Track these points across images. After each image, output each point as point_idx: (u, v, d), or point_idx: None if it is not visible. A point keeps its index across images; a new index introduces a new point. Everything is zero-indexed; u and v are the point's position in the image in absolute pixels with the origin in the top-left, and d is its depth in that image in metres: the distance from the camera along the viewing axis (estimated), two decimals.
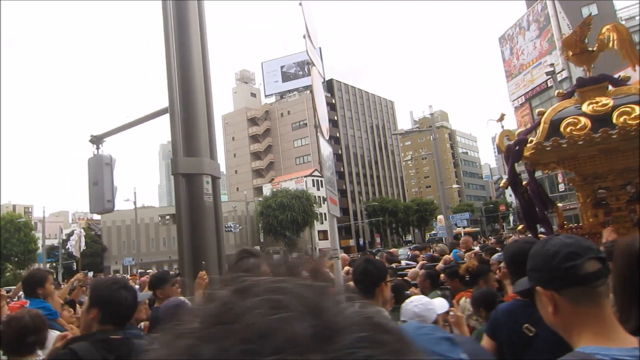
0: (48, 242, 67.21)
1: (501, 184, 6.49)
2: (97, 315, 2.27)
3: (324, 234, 71.70)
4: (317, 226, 65.92)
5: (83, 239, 15.24)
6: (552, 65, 26.66)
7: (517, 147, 5.72)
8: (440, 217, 32.10)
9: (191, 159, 4.93)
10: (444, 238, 32.89)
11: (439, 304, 2.94)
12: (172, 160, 4.91)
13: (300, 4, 4.79)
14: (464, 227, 30.59)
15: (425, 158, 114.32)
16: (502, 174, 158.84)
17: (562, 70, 39.01)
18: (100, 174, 6.06)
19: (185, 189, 4.86)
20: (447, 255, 8.32)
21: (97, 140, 6.28)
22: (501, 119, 6.72)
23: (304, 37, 4.67)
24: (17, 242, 57.14)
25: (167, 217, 64.16)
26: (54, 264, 59.47)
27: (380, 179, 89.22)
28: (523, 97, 44.51)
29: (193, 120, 5.03)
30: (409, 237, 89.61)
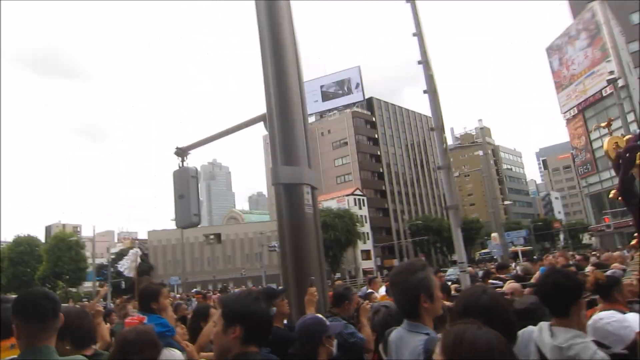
0: (96, 261, 69.22)
1: (611, 194, 5.92)
2: (239, 334, 1.94)
3: (366, 254, 70.85)
4: (360, 245, 65.17)
5: (139, 259, 15.28)
6: (611, 72, 25.43)
7: (628, 155, 5.23)
8: (494, 235, 30.89)
9: (291, 168, 4.66)
10: (498, 257, 31.67)
11: (634, 320, 2.49)
12: (272, 169, 4.66)
13: (408, 2, 4.54)
14: (522, 246, 29.32)
15: (468, 175, 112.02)
16: (549, 189, 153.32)
17: (619, 78, 37.48)
18: (187, 187, 5.88)
19: (285, 199, 4.59)
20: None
21: (182, 152, 6.13)
22: (608, 124, 6.22)
23: (414, 35, 4.39)
24: (69, 260, 58.93)
25: (212, 236, 64.86)
26: (103, 283, 60.90)
27: (423, 197, 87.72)
28: (575, 108, 42.90)
29: (291, 128, 4.78)
30: (454, 257, 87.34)
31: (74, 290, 62.43)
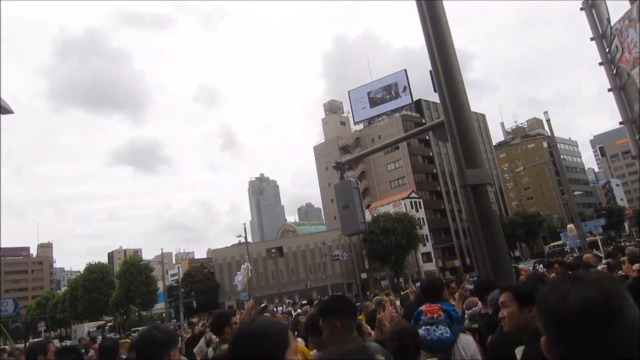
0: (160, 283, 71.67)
1: None
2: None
3: (427, 256, 70.04)
4: (420, 248, 64.60)
5: (250, 274, 15.89)
6: None
7: None
8: (570, 225, 30.06)
9: (475, 170, 5.00)
10: (575, 248, 30.76)
11: None
12: (459, 173, 5.01)
13: (582, 9, 4.84)
14: (599, 235, 28.43)
15: (524, 169, 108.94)
16: (609, 177, 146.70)
17: None
18: (351, 198, 6.36)
19: (473, 199, 4.94)
20: None
21: (341, 166, 6.64)
22: None
23: (592, 39, 4.67)
24: (139, 284, 60.84)
25: (273, 250, 66.02)
26: (173, 303, 62.81)
27: None
28: None
29: (469, 134, 5.15)
30: (517, 253, 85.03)
31: (144, 313, 64.83)
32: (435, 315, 3.44)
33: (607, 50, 4.84)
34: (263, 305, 28.84)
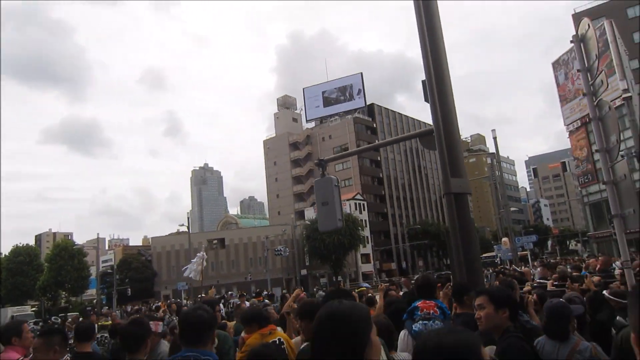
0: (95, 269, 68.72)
1: None
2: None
3: (366, 258, 71.50)
4: (360, 249, 65.87)
5: (205, 263, 15.66)
6: (625, 90, 26.51)
7: None
8: (505, 239, 31.84)
9: (459, 180, 5.30)
10: (507, 260, 32.53)
11: None
12: (444, 180, 5.26)
13: (572, 42, 5.25)
14: (529, 250, 30.33)
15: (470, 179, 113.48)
16: (539, 197, 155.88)
17: (621, 95, 38.90)
18: (331, 195, 6.51)
19: (456, 206, 5.23)
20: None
21: (322, 164, 6.78)
22: None
23: (578, 71, 5.03)
24: (71, 269, 58.07)
25: (215, 241, 65.11)
26: (106, 290, 60.41)
27: (420, 202, 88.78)
28: (579, 121, 44.19)
29: (456, 144, 5.44)
30: (449, 261, 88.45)
31: (73, 299, 61.84)
32: (432, 311, 3.66)
33: (590, 83, 5.27)
34: (200, 296, 28.49)
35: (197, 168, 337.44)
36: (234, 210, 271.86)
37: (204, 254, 13.68)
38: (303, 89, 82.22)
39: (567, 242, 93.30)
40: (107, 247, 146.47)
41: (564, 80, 45.65)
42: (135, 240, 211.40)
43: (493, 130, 33.34)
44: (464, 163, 5.57)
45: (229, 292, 44.67)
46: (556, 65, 46.98)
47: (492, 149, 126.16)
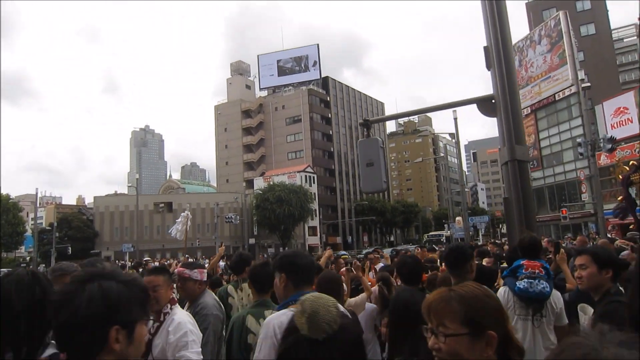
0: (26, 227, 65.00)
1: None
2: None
3: (313, 230, 72.24)
4: (309, 222, 66.45)
5: (189, 223, 15.18)
6: (582, 80, 27.88)
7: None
8: (459, 218, 33.15)
9: (522, 147, 5.40)
10: (458, 239, 34.04)
11: None
12: (509, 148, 5.33)
13: None
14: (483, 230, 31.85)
15: (408, 161, 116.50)
16: (476, 180, 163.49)
17: (572, 85, 40.88)
18: (377, 155, 6.46)
19: (520, 173, 5.34)
20: None
21: (367, 124, 6.69)
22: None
23: None
24: (6, 223, 54.88)
25: (162, 205, 63.32)
26: (41, 249, 57.48)
27: None
28: (529, 108, 46.11)
29: (518, 109, 5.52)
30: (392, 237, 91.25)
31: (5, 255, 58.47)
32: (537, 271, 3.76)
33: None
34: (146, 259, 27.78)
35: (138, 129, 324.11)
36: (175, 175, 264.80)
37: (189, 213, 13.20)
38: (258, 55, 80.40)
39: (500, 226, 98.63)
40: (37, 204, 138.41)
41: (518, 67, 47.37)
42: (68, 200, 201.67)
43: (454, 111, 34.21)
44: (524, 130, 5.68)
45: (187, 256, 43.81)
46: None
47: (437, 131, 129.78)
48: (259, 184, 67.81)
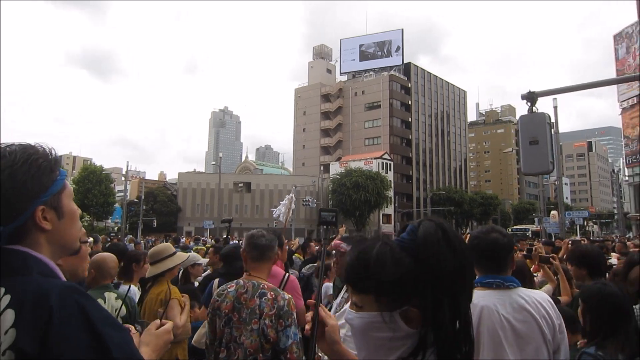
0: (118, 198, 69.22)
1: None
2: None
3: (387, 218, 71.42)
4: (384, 209, 65.67)
5: (293, 205, 15.10)
6: None
7: None
8: (554, 212, 31.13)
9: None
10: (552, 234, 32.05)
11: None
12: None
13: None
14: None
15: (488, 152, 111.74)
16: (561, 174, 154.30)
17: None
18: (543, 133, 5.80)
19: None
20: None
21: (532, 97, 6.03)
22: None
23: None
24: (99, 194, 58.34)
25: (241, 184, 65.09)
26: (130, 220, 60.98)
27: (445, 168, 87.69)
28: (635, 98, 42.35)
29: None
30: (468, 230, 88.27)
31: (96, 224, 62.70)
32: None
33: None
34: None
35: (217, 110, 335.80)
36: (250, 157, 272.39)
37: (293, 196, 13.03)
38: (340, 40, 79.87)
39: (584, 223, 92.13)
40: (122, 178, 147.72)
41: (625, 54, 43.42)
42: (150, 175, 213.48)
43: (554, 99, 31.97)
44: None
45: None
46: (618, 38, 44.56)
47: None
48: (335, 168, 67.76)
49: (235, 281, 2.66)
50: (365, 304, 1.08)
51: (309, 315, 1.49)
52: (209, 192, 61.97)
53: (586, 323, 2.38)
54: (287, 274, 3.57)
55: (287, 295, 2.58)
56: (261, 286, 2.56)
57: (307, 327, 1.48)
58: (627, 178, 48.66)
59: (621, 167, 72.94)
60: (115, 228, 70.60)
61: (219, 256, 5.34)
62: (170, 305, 3.16)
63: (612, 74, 45.68)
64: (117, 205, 65.30)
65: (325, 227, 2.05)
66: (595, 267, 3.57)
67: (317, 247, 9.52)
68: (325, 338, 1.44)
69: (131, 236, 55.44)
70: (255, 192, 63.41)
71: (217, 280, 3.93)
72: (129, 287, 3.25)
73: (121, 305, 2.76)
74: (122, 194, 79.14)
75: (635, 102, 42.60)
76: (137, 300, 3.48)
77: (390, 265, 1.04)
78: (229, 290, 2.57)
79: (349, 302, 1.20)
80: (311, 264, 6.81)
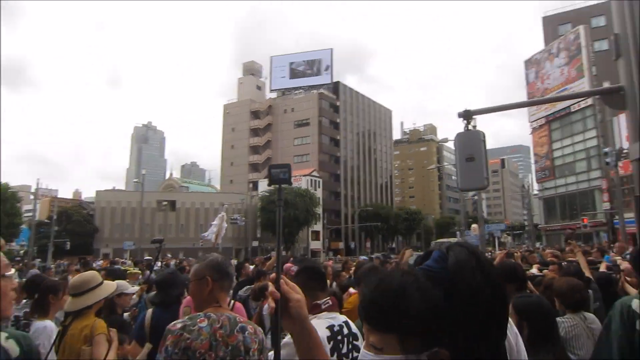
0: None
1: None
2: None
3: (316, 235, 71.68)
4: (312, 226, 65.88)
5: (225, 224, 14.53)
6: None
7: None
8: (474, 225, 32.74)
9: None
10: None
11: None
12: (632, 144, 4.86)
13: None
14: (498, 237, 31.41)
15: (412, 169, 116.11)
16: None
17: (586, 98, 40.67)
18: (478, 150, 5.92)
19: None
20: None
21: (468, 115, 6.16)
22: None
23: None
24: (3, 214, 53.53)
25: (165, 202, 62.66)
26: (38, 243, 56.50)
27: (372, 185, 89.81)
28: (544, 119, 45.89)
29: None
30: (393, 244, 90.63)
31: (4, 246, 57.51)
32: None
33: None
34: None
35: (140, 125, 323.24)
36: (174, 174, 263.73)
37: (224, 214, 12.64)
38: (271, 57, 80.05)
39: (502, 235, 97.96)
40: (31, 197, 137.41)
41: (534, 79, 47.11)
42: (64, 193, 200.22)
43: (474, 119, 33.91)
44: None
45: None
46: (528, 63, 48.35)
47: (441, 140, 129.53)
48: (264, 186, 67.20)
49: (203, 314, 2.20)
50: (386, 345, 0.90)
51: (270, 290, 1.26)
52: (130, 211, 59.06)
53: (522, 333, 2.43)
54: (232, 301, 3.28)
55: (258, 327, 2.27)
56: (238, 320, 2.20)
57: (272, 304, 1.24)
58: (536, 192, 52.36)
59: (530, 182, 78.46)
60: (22, 252, 65.08)
61: (152, 284, 4.88)
62: (97, 342, 2.73)
63: (523, 97, 49.31)
64: (24, 226, 60.40)
65: (278, 186, 1.62)
66: (523, 281, 3.76)
67: (252, 267, 9.13)
68: (290, 314, 1.22)
69: (39, 260, 51.12)
70: (180, 211, 61.27)
71: (150, 310, 3.54)
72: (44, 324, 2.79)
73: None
74: (30, 214, 73.49)
75: (544, 122, 46.16)
76: (53, 338, 2.97)
77: (417, 299, 0.88)
78: (200, 325, 2.11)
79: (364, 343, 0.99)
80: (247, 286, 6.46)
